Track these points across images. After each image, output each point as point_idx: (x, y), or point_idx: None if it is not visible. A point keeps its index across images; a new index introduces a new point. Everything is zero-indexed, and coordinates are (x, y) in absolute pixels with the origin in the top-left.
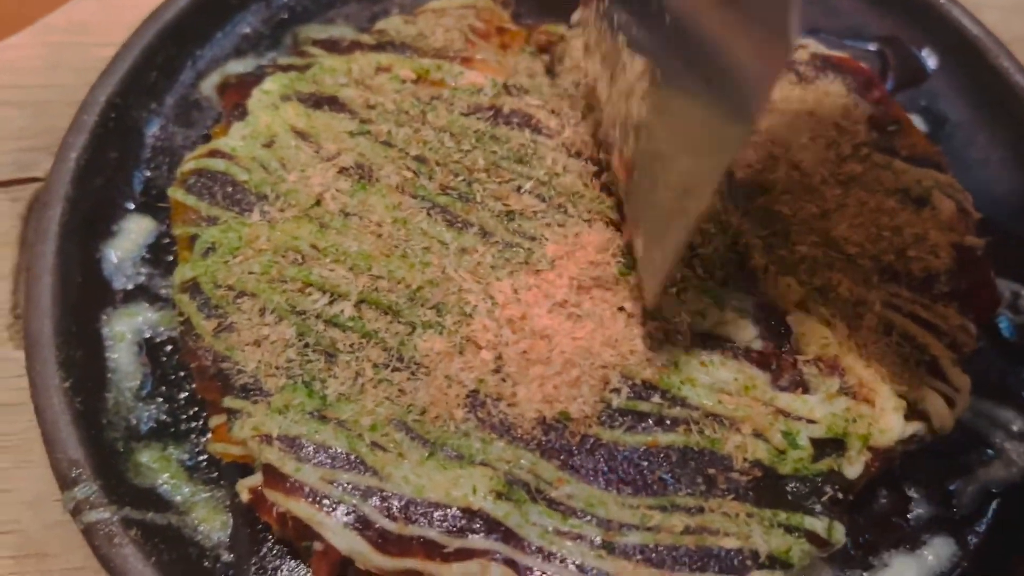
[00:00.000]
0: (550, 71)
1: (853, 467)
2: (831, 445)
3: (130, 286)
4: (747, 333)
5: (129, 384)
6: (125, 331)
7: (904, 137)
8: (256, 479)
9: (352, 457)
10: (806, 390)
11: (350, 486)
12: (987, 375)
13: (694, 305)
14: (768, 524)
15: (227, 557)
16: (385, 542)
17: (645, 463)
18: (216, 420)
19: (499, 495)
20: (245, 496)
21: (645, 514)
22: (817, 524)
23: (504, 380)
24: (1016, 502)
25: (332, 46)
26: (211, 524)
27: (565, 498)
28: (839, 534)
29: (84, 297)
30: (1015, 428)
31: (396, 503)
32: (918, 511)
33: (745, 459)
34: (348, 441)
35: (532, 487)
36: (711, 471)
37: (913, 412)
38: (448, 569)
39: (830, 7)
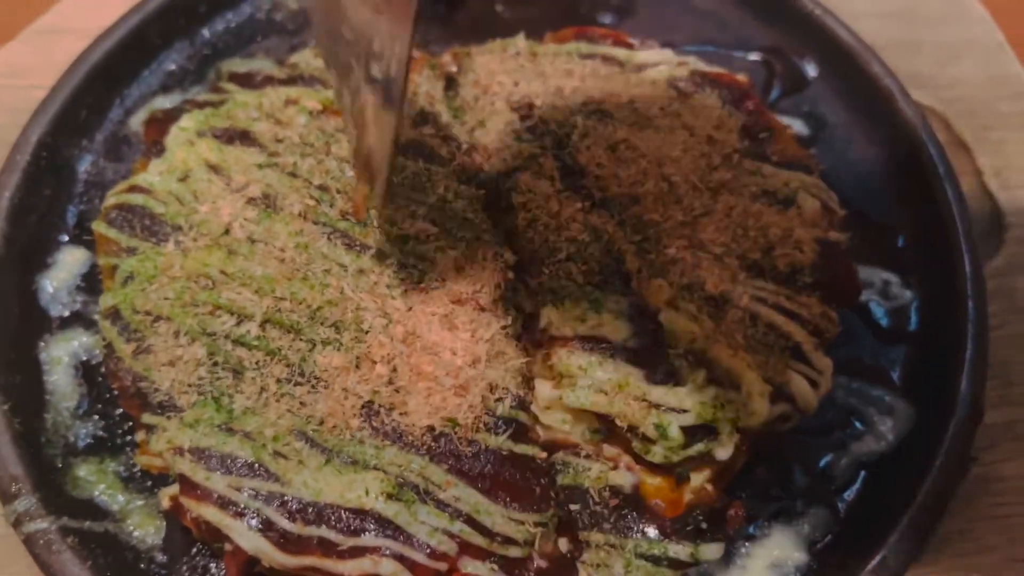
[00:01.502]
0: (450, 88)
1: (724, 449)
2: (703, 431)
3: (66, 313)
4: (623, 332)
5: (67, 404)
6: (62, 355)
7: (775, 143)
8: (174, 488)
9: (256, 465)
10: (678, 382)
11: (255, 492)
12: (860, 357)
13: (573, 311)
14: (631, 555)
15: (161, 558)
16: (286, 542)
17: (529, 472)
18: (141, 435)
19: (389, 496)
20: (165, 503)
21: (529, 532)
22: (681, 551)
23: (397, 391)
24: (884, 472)
25: (247, 80)
26: (146, 529)
27: (452, 500)
28: (709, 554)
29: (22, 326)
30: (885, 405)
31: (296, 506)
32: (798, 484)
33: (603, 489)
34: (253, 451)
35: (421, 489)
36: (572, 507)
37: (779, 395)
38: (343, 565)
39: (719, 20)
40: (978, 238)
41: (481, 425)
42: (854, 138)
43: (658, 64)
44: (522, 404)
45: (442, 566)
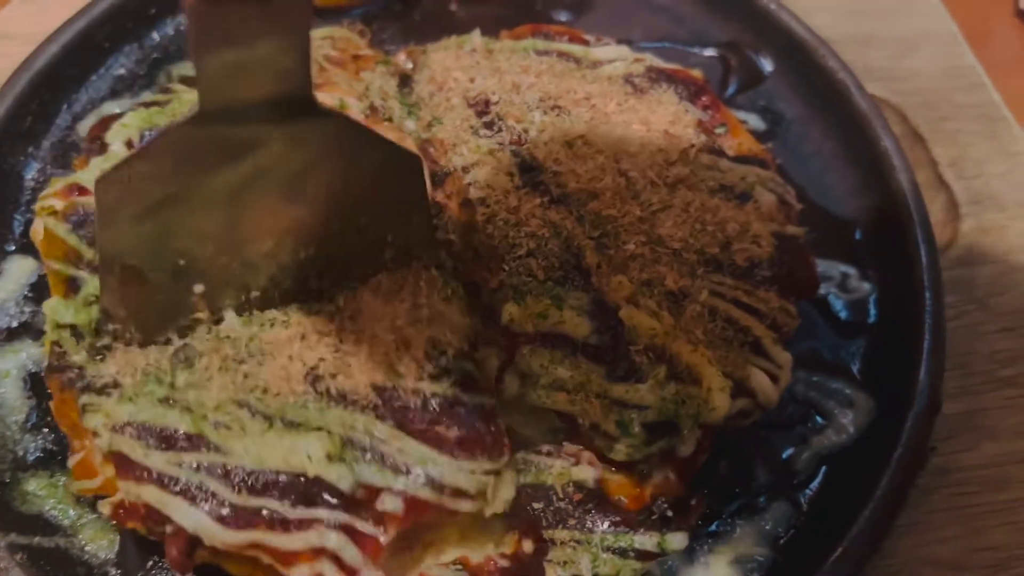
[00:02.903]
0: (405, 85)
1: (686, 445)
2: (664, 428)
3: (14, 324)
4: (584, 329)
5: (15, 418)
6: (10, 368)
7: (731, 138)
8: (114, 496)
9: (197, 437)
10: (639, 379)
11: (195, 464)
12: (820, 350)
13: (535, 308)
14: (597, 549)
15: (115, 573)
16: (229, 516)
17: (478, 420)
18: (75, 459)
19: (331, 457)
20: (107, 511)
21: (480, 480)
22: (647, 541)
23: (342, 358)
24: (845, 465)
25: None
26: (98, 544)
27: (398, 453)
28: (675, 543)
29: None
30: (845, 398)
31: (239, 475)
32: (759, 480)
33: (566, 485)
34: (193, 422)
35: (366, 446)
36: (536, 505)
37: (740, 390)
38: (289, 538)
39: (676, 15)
40: (934, 229)
41: (425, 375)
42: (810, 132)
43: (614, 60)
44: (467, 356)
45: (389, 534)
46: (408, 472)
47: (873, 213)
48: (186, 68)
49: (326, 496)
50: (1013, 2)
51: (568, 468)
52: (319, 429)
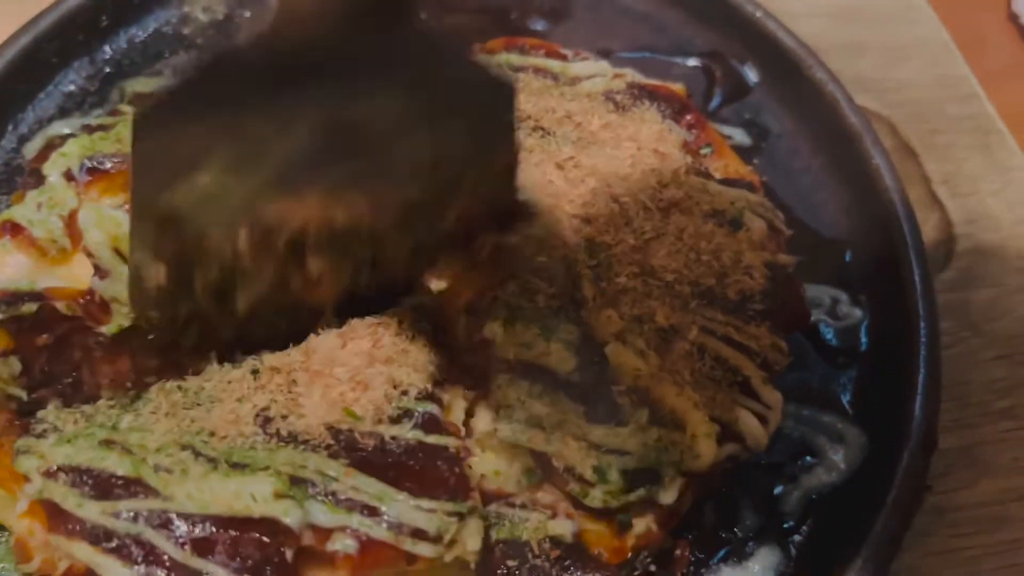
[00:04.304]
0: None
1: (668, 493)
2: (645, 475)
3: None
4: (568, 364)
5: None
6: None
7: (717, 159)
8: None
9: (135, 482)
10: (619, 422)
11: (133, 514)
12: (809, 382)
13: (521, 336)
14: None
15: None
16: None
17: (440, 461)
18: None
19: (279, 495)
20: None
21: (442, 522)
22: None
23: (294, 398)
24: (836, 506)
25: (147, 101)
26: None
27: (351, 491)
28: None
29: None
30: (836, 432)
31: (181, 527)
32: (746, 523)
33: (543, 541)
34: (133, 465)
35: (317, 484)
36: (511, 563)
37: (727, 434)
38: None
39: (657, 24)
40: (927, 250)
41: (384, 417)
42: (798, 148)
43: (593, 76)
44: (431, 397)
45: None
46: (363, 510)
47: (864, 235)
48: (140, 84)
49: (274, 559)
50: (1006, 5)
51: (544, 522)
52: (266, 469)
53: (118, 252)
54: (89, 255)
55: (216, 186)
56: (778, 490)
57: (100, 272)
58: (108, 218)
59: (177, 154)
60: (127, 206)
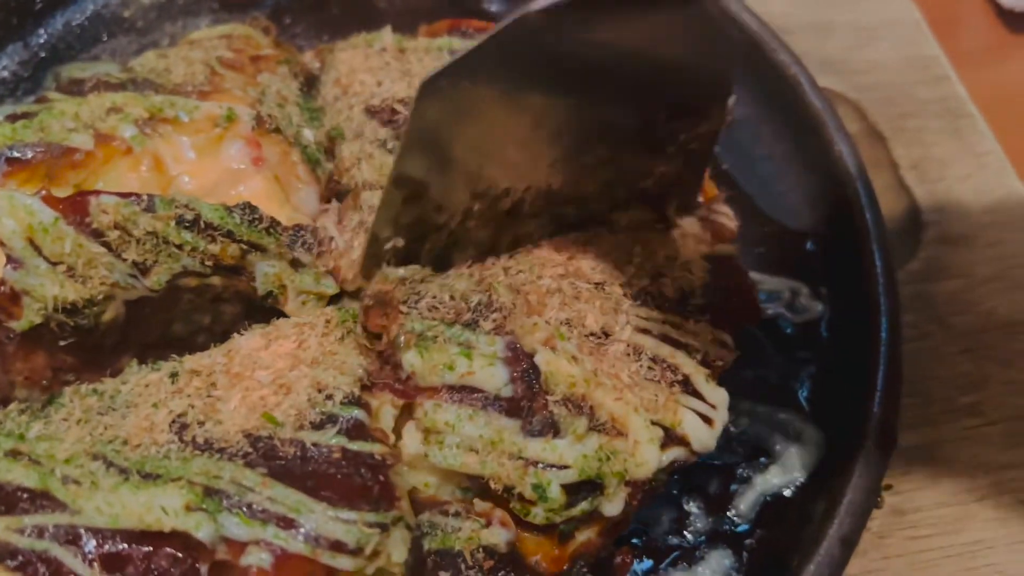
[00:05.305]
0: (312, 87)
1: (612, 504)
2: (587, 487)
3: None
4: (497, 380)
5: None
6: None
7: None
8: None
9: (42, 495)
10: (557, 433)
11: (38, 530)
12: (767, 378)
13: (440, 357)
14: None
15: None
16: None
17: (364, 468)
18: None
19: (191, 508)
20: None
21: (361, 533)
22: None
23: (213, 403)
24: (791, 507)
25: (77, 88)
26: None
27: (267, 503)
28: None
29: None
30: (792, 431)
31: (91, 542)
32: (696, 525)
33: (476, 551)
34: (40, 477)
35: (231, 495)
36: (443, 574)
37: (670, 438)
38: None
39: None
40: (893, 239)
41: (307, 423)
42: (760, 135)
43: None
44: (357, 402)
45: None
46: (279, 522)
47: (826, 224)
48: (76, 69)
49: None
50: None
51: (478, 531)
52: (179, 480)
53: (32, 243)
54: (1, 244)
55: (466, 163)
56: (731, 490)
57: (13, 262)
58: (21, 206)
59: (448, 130)
60: (43, 193)
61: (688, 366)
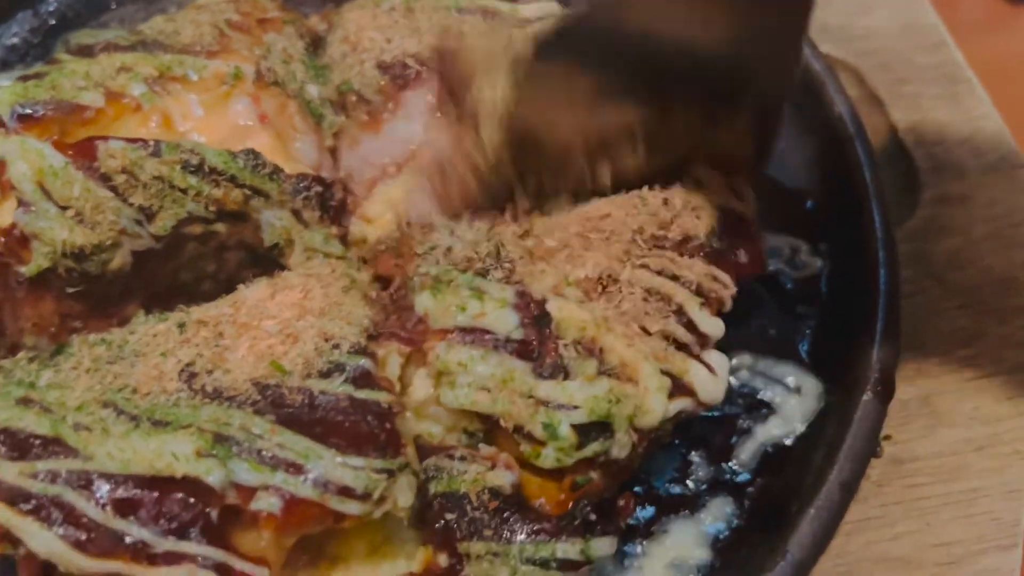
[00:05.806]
0: (319, 47)
1: (621, 447)
2: (596, 429)
3: None
4: (508, 324)
5: None
6: None
7: None
8: None
9: (54, 441)
10: (567, 376)
11: (51, 475)
12: (767, 332)
13: (453, 300)
14: (516, 561)
15: None
16: (88, 540)
17: (371, 416)
18: None
19: (202, 454)
20: None
21: (370, 479)
22: (571, 549)
23: (221, 353)
24: (791, 458)
25: (87, 51)
26: None
27: (276, 448)
28: (601, 550)
29: None
30: (791, 383)
31: (101, 486)
32: (698, 474)
33: (481, 492)
34: (51, 424)
35: (241, 441)
36: (449, 516)
37: (677, 388)
38: (156, 572)
39: None
40: (891, 199)
41: (314, 372)
42: None
43: (543, 18)
44: (364, 351)
45: (266, 537)
46: (288, 468)
47: (826, 184)
48: (86, 36)
49: (203, 533)
50: None
51: (483, 473)
52: (189, 427)
53: (42, 187)
54: (12, 188)
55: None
56: (732, 441)
57: (24, 205)
58: (32, 150)
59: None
60: (54, 139)
61: (680, 294)
